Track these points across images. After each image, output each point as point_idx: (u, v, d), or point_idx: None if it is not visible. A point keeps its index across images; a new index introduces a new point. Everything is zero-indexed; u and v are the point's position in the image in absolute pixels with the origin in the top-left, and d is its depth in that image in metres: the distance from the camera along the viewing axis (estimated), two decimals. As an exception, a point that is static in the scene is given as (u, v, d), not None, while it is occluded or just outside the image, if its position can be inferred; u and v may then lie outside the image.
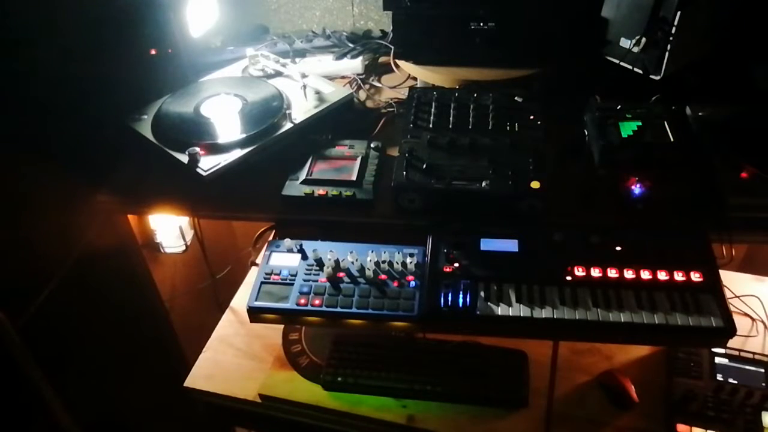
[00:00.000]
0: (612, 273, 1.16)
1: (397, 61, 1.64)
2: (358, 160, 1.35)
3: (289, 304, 1.19)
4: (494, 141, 1.30)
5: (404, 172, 1.23)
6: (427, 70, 1.57)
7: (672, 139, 1.27)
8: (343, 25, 1.97)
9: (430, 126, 1.36)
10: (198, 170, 1.27)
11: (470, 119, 1.37)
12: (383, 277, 1.22)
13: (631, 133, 1.28)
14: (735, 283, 1.54)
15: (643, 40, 1.39)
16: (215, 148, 1.32)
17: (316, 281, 1.22)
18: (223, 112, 1.43)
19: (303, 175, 1.32)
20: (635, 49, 1.41)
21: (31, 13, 1.21)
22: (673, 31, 1.35)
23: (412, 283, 1.20)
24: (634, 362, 1.42)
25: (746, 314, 1.51)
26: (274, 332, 1.53)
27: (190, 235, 1.62)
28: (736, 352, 1.40)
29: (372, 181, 1.31)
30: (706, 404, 1.30)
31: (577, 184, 1.29)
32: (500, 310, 1.12)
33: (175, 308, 1.67)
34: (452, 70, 1.56)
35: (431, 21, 1.54)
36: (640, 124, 1.30)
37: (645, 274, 1.15)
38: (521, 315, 1.11)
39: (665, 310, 1.10)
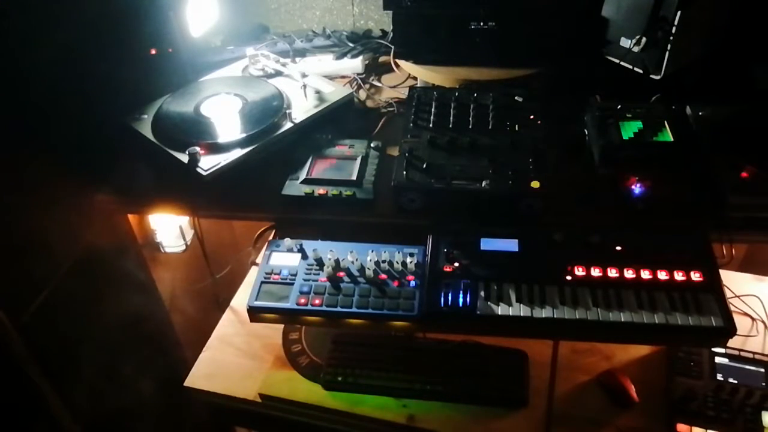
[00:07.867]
0: (612, 273, 1.16)
1: (397, 60, 1.64)
2: (358, 159, 1.35)
3: (289, 304, 1.19)
4: (494, 141, 1.30)
5: (404, 172, 1.23)
6: (427, 69, 1.57)
7: (672, 139, 1.27)
8: (344, 25, 1.97)
9: (431, 126, 1.36)
10: (198, 170, 1.27)
11: (470, 119, 1.37)
12: (383, 276, 1.21)
13: (632, 135, 1.28)
14: (735, 283, 1.54)
15: (644, 39, 1.39)
16: (215, 148, 1.32)
17: (316, 281, 1.22)
18: (223, 112, 1.43)
19: (303, 175, 1.32)
20: (635, 49, 1.41)
21: (31, 12, 1.21)
22: (673, 31, 1.35)
23: (412, 283, 1.20)
24: (634, 362, 1.42)
25: (746, 314, 1.51)
26: (274, 332, 1.53)
27: (190, 234, 1.62)
28: (736, 352, 1.40)
29: (372, 181, 1.31)
30: (706, 404, 1.30)
31: (577, 184, 1.29)
32: (500, 309, 1.12)
33: (175, 308, 1.67)
34: (452, 69, 1.56)
35: (431, 21, 1.54)
36: (641, 126, 1.30)
37: (645, 274, 1.15)
38: (521, 315, 1.11)
39: (665, 310, 1.10)
